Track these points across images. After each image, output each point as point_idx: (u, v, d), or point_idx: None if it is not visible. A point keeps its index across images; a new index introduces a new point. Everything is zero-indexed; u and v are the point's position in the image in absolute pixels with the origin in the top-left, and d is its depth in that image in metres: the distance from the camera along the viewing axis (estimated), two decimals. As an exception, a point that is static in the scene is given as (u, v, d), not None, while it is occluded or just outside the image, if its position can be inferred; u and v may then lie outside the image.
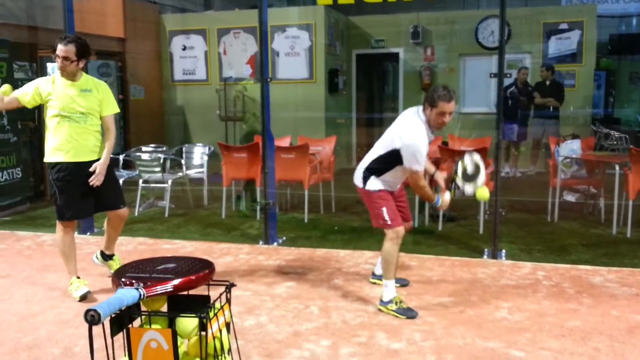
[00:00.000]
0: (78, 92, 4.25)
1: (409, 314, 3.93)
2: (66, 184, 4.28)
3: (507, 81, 8.69)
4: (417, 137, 3.82)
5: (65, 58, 4.15)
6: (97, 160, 4.33)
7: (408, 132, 3.85)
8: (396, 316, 3.92)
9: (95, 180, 4.28)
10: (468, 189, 4.02)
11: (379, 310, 4.04)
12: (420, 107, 3.91)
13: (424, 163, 3.90)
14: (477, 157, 4.11)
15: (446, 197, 4.06)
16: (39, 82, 4.29)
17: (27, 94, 4.27)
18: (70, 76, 4.25)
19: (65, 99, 4.22)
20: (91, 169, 4.29)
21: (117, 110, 4.49)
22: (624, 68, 12.01)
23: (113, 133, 4.42)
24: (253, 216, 6.98)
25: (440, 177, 4.26)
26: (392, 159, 3.94)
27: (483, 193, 4.03)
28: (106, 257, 4.78)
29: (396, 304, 3.98)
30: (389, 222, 3.99)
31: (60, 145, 4.26)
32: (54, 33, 7.46)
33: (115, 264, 4.76)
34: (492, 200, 5.23)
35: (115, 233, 4.69)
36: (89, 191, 4.34)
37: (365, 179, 4.06)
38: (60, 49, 4.16)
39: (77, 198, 4.33)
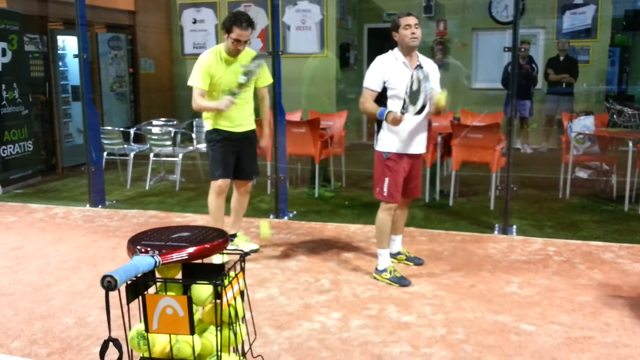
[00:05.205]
0: (238, 68, 4.32)
1: (402, 282, 4.02)
2: (216, 144, 4.47)
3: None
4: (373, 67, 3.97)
5: (244, 42, 4.26)
6: (251, 130, 4.60)
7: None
8: (389, 284, 4.02)
9: (266, 142, 4.75)
10: (411, 110, 3.73)
11: (374, 278, 4.12)
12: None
13: (370, 81, 3.95)
14: (419, 74, 3.75)
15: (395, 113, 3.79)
16: (205, 68, 4.31)
17: (205, 84, 4.33)
18: (236, 55, 4.36)
19: (230, 77, 4.32)
20: (265, 132, 4.72)
21: (272, 81, 4.72)
22: (639, 44, 11.79)
23: (268, 101, 4.79)
24: (326, 196, 6.82)
25: None
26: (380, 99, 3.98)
27: (442, 99, 3.84)
28: (231, 237, 4.81)
29: (390, 272, 4.08)
30: (386, 196, 4.03)
31: (219, 115, 4.40)
32: (65, 5, 7.44)
33: (242, 239, 4.83)
34: (504, 175, 5.20)
35: (242, 208, 4.82)
36: (236, 157, 4.55)
37: (377, 134, 4.03)
38: (242, 33, 4.22)
39: (225, 159, 4.48)
